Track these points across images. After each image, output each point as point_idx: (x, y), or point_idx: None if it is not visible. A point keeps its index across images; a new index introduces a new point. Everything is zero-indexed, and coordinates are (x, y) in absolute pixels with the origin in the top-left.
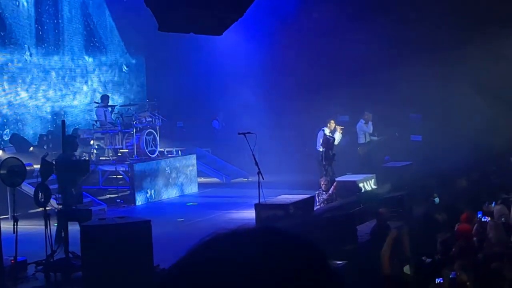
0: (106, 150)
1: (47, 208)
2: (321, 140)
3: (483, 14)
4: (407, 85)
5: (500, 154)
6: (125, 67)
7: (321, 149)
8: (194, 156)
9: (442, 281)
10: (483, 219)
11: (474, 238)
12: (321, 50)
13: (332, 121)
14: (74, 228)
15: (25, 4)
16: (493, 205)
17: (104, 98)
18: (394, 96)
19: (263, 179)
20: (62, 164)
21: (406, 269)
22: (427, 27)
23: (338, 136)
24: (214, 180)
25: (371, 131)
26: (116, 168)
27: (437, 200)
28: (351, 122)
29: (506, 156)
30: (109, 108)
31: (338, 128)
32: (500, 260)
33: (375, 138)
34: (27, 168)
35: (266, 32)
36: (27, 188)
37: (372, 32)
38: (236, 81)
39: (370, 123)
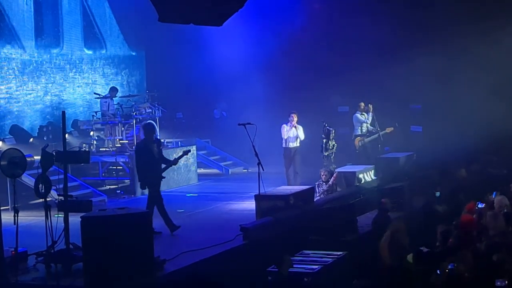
0: (106, 141)
1: (47, 199)
2: (285, 136)
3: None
4: (407, 76)
5: (501, 145)
6: (126, 81)
7: (294, 145)
8: (194, 147)
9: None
10: (478, 206)
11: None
12: (321, 40)
13: (294, 115)
14: (74, 219)
15: None
16: (493, 195)
17: (112, 90)
18: (394, 87)
19: (263, 170)
20: (141, 149)
21: (410, 257)
22: (428, 16)
23: (293, 131)
24: (214, 171)
25: (368, 122)
26: (116, 159)
27: (437, 194)
28: (352, 113)
29: (507, 147)
30: (114, 100)
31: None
32: (501, 251)
33: (374, 136)
34: (28, 159)
35: (267, 22)
36: (27, 179)
37: (372, 23)
38: (236, 73)
39: (367, 114)
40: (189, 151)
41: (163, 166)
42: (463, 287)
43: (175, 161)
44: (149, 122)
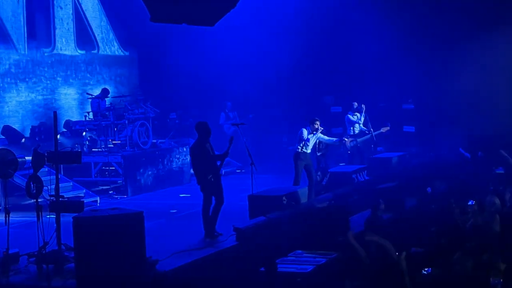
0: (99, 141)
1: (39, 200)
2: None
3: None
4: (400, 76)
5: (492, 145)
6: (118, 81)
7: (308, 150)
8: (187, 147)
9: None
10: (469, 204)
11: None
12: (315, 41)
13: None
14: (66, 219)
15: None
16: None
17: (104, 91)
18: (386, 87)
19: (256, 170)
20: (197, 150)
21: (403, 257)
22: (421, 19)
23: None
24: None
25: (361, 122)
26: (108, 159)
27: (429, 189)
28: (345, 114)
29: (496, 146)
30: (106, 100)
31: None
32: (490, 251)
33: (367, 136)
34: (19, 159)
35: (261, 22)
36: (19, 180)
37: (365, 25)
38: (229, 73)
39: (360, 114)
40: (233, 137)
41: (218, 163)
42: (457, 287)
43: (226, 154)
44: (204, 122)
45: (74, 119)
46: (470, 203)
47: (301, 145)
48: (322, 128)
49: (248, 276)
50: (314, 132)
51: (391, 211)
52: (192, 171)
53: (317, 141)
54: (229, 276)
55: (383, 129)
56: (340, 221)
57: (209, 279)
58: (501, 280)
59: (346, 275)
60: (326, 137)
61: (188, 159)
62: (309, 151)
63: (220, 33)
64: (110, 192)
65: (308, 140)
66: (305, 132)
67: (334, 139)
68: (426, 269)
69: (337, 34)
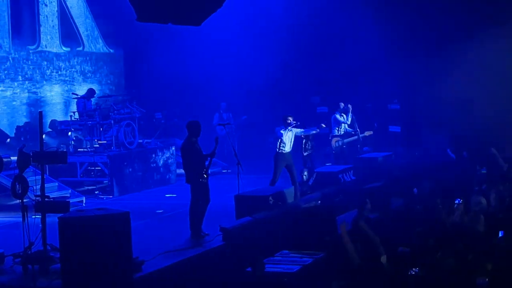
0: (84, 141)
1: (24, 200)
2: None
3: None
4: (386, 76)
5: (479, 144)
6: (104, 79)
7: (286, 149)
8: (173, 147)
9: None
10: (456, 202)
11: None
12: (301, 41)
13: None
14: (52, 220)
15: None
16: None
17: (90, 91)
18: (372, 87)
19: (242, 170)
20: (188, 149)
21: (383, 259)
22: (408, 19)
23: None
24: None
25: (348, 122)
26: (94, 159)
27: (415, 190)
28: (331, 114)
29: (485, 146)
30: (92, 100)
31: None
32: (477, 251)
33: (353, 137)
34: (4, 159)
35: (247, 22)
36: (5, 180)
37: (352, 26)
38: (215, 73)
39: (347, 115)
40: (218, 137)
41: (206, 163)
42: (443, 287)
43: (213, 154)
44: (195, 120)
45: (58, 116)
46: (457, 201)
47: (278, 144)
48: (295, 123)
49: (234, 276)
50: (288, 128)
51: (378, 211)
52: (178, 171)
53: (304, 140)
54: (215, 276)
55: (367, 133)
56: (326, 221)
57: (196, 279)
58: (487, 280)
59: (332, 275)
60: (302, 130)
61: (174, 159)
62: (287, 149)
63: (206, 33)
64: (96, 192)
65: (281, 135)
66: (278, 130)
67: (312, 129)
68: (413, 269)
69: (325, 35)
